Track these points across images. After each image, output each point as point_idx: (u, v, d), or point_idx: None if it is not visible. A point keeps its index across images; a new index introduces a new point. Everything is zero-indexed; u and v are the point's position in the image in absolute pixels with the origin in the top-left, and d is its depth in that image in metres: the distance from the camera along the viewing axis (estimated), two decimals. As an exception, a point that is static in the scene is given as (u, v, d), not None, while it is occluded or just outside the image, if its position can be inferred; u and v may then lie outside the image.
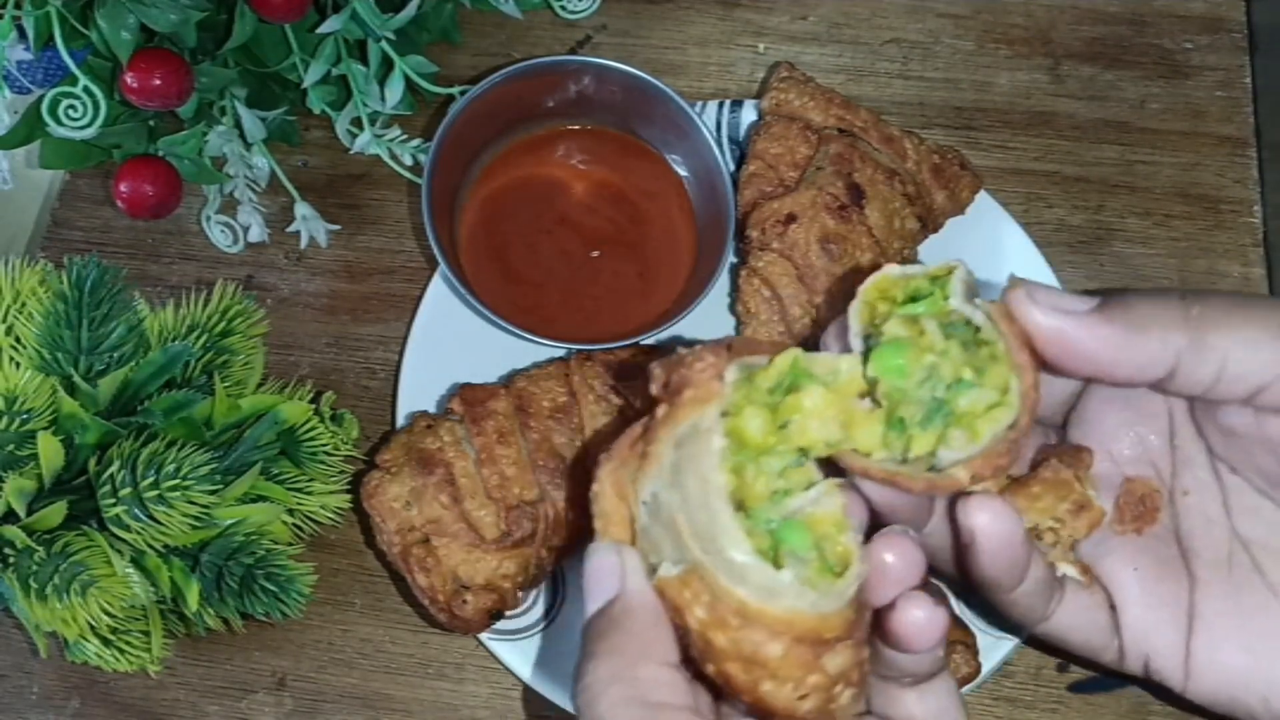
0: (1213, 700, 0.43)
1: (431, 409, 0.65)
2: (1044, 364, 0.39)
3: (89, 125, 0.64)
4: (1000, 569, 0.40)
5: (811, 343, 0.63)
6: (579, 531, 0.61)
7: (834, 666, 0.34)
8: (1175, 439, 0.44)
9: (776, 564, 0.33)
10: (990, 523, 0.39)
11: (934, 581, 0.37)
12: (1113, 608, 0.44)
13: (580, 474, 0.60)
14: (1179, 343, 0.38)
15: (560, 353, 0.65)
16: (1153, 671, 0.44)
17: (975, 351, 0.38)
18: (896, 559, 0.36)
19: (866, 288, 0.39)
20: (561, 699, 0.61)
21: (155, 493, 0.56)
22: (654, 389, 0.36)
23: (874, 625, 0.37)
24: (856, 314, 0.39)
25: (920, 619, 0.36)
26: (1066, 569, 0.43)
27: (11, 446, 0.58)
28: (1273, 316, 0.39)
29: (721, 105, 0.70)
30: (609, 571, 0.35)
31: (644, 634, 0.35)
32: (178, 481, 0.56)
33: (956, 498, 0.40)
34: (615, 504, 0.36)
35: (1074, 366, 0.39)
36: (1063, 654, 0.49)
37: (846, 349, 0.39)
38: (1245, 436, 0.41)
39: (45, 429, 0.58)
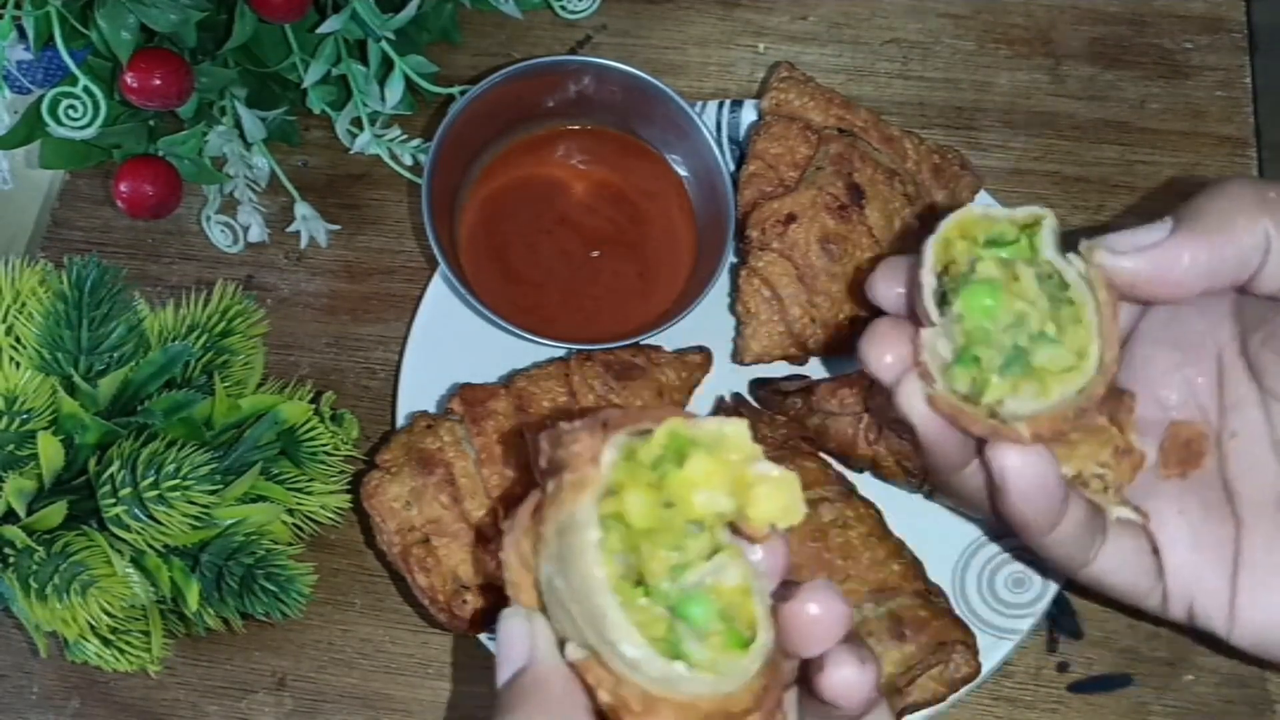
0: (1258, 644, 0.42)
1: (431, 409, 0.65)
2: (1147, 302, 0.39)
3: (89, 125, 0.64)
4: (1035, 511, 0.40)
5: (811, 344, 0.64)
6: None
7: None
8: (1224, 381, 0.44)
9: (674, 649, 0.32)
10: (1022, 464, 0.38)
11: (859, 636, 0.36)
12: (1156, 553, 0.43)
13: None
14: (1267, 224, 0.38)
15: (560, 353, 0.65)
16: (1196, 616, 0.43)
17: (1058, 309, 0.37)
18: (821, 611, 0.34)
19: (949, 224, 0.39)
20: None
21: (155, 493, 0.56)
22: (542, 463, 0.34)
23: (802, 680, 0.36)
24: (933, 249, 0.38)
25: (850, 677, 0.34)
26: (1123, 512, 0.43)
27: (11, 446, 0.58)
28: None
29: (721, 105, 0.70)
30: (519, 640, 0.34)
31: (556, 705, 0.33)
32: (178, 481, 0.56)
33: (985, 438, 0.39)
34: (521, 574, 0.34)
35: (1179, 292, 0.39)
36: (1105, 600, 0.49)
37: (915, 285, 0.39)
38: None
39: (45, 429, 0.58)
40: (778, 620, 0.34)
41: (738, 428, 0.34)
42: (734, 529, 0.34)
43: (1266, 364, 0.43)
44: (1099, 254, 0.39)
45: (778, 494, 0.34)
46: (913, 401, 0.39)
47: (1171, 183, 0.74)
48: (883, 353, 0.40)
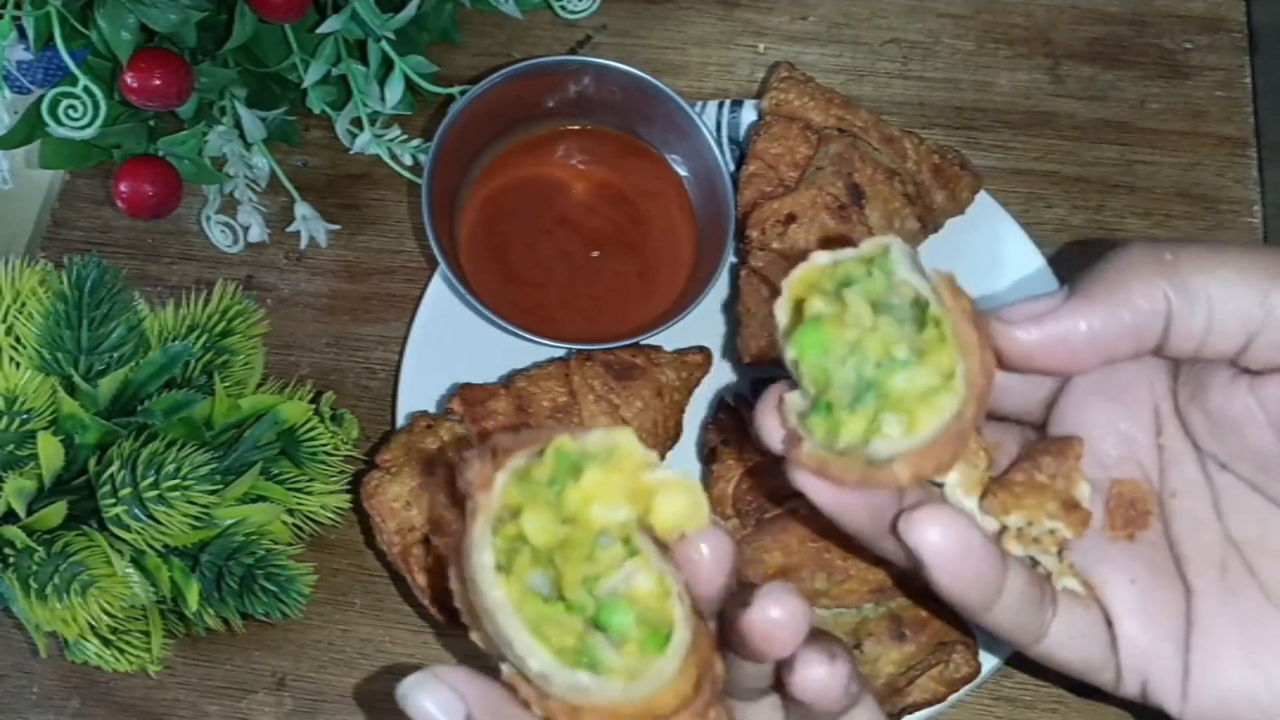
0: None
1: (431, 409, 0.65)
2: (1046, 374, 0.38)
3: (89, 125, 0.64)
4: (965, 587, 0.37)
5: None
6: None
7: None
8: (1161, 436, 0.42)
9: (590, 658, 0.32)
10: (941, 539, 0.36)
11: (826, 632, 0.35)
12: (1110, 624, 0.41)
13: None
14: (1164, 287, 0.37)
15: (560, 353, 0.65)
16: (1149, 692, 0.41)
17: (920, 332, 0.35)
18: (782, 613, 0.33)
19: (792, 281, 0.37)
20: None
21: (155, 493, 0.56)
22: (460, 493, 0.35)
23: (777, 685, 0.36)
24: (784, 310, 0.37)
25: (821, 675, 0.34)
26: (1067, 582, 0.41)
27: (11, 446, 0.58)
28: (1246, 259, 0.37)
29: (721, 105, 0.70)
30: (444, 709, 0.32)
31: None
32: (178, 481, 0.56)
33: (900, 513, 0.37)
34: (465, 601, 0.34)
35: (1079, 362, 0.38)
36: (1061, 677, 0.47)
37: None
38: (1237, 418, 0.39)
39: (45, 429, 0.58)
40: (739, 627, 0.34)
41: (626, 436, 0.33)
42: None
43: (1196, 421, 0.41)
44: (993, 325, 0.37)
45: (678, 499, 0.33)
46: (797, 471, 0.37)
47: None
48: (778, 425, 0.37)
